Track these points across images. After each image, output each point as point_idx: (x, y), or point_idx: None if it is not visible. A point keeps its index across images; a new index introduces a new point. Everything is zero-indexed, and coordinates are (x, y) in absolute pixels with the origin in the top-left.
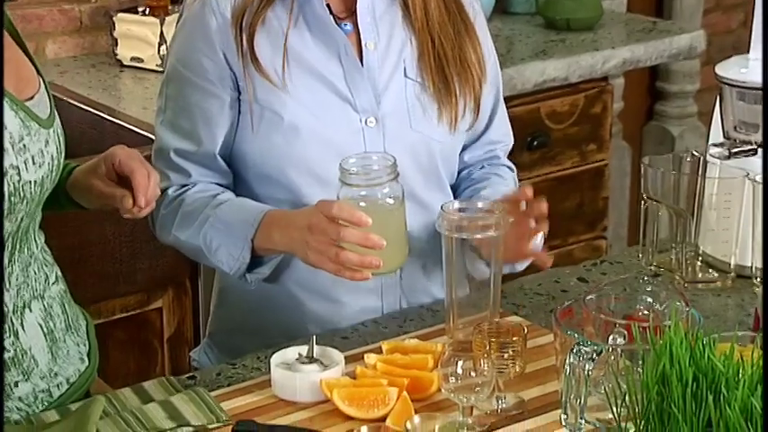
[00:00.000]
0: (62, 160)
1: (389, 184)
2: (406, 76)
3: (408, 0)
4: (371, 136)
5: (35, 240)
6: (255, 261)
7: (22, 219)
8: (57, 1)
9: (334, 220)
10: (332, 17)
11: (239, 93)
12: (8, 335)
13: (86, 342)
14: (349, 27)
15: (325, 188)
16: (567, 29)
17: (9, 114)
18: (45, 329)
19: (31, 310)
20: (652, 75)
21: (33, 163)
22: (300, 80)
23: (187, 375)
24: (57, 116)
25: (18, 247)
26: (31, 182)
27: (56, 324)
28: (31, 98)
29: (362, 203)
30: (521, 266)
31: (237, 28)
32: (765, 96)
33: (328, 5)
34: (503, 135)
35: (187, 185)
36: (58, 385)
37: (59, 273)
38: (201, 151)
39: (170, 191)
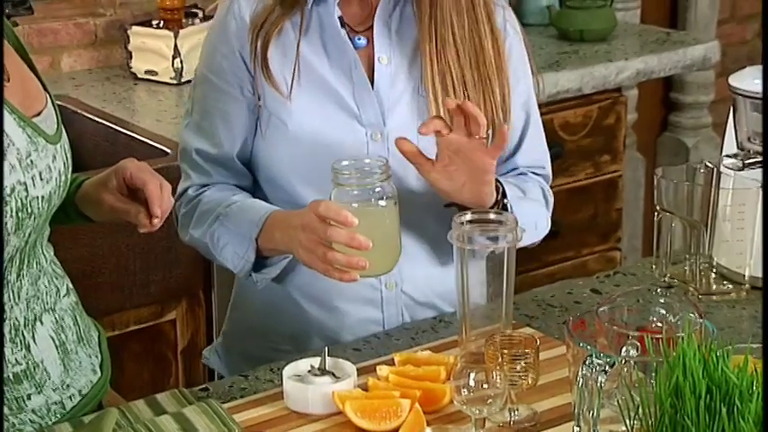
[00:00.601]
0: (69, 175)
1: (381, 185)
2: (419, 93)
3: (424, 21)
4: (375, 150)
5: (44, 254)
6: (264, 262)
7: (30, 234)
8: (72, 15)
9: (324, 219)
10: (346, 31)
11: (258, 98)
12: (19, 348)
13: (98, 353)
14: (364, 41)
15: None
16: (581, 40)
17: (17, 131)
18: (57, 342)
19: (42, 323)
20: (666, 86)
21: (41, 179)
22: (308, 91)
23: (200, 387)
24: (63, 132)
25: (27, 261)
26: (38, 197)
27: (67, 336)
28: (38, 114)
29: (354, 204)
30: (490, 187)
31: (254, 33)
32: (765, 106)
33: (341, 19)
34: (534, 161)
35: (207, 185)
36: (70, 397)
37: (70, 285)
38: (221, 153)
39: (190, 190)
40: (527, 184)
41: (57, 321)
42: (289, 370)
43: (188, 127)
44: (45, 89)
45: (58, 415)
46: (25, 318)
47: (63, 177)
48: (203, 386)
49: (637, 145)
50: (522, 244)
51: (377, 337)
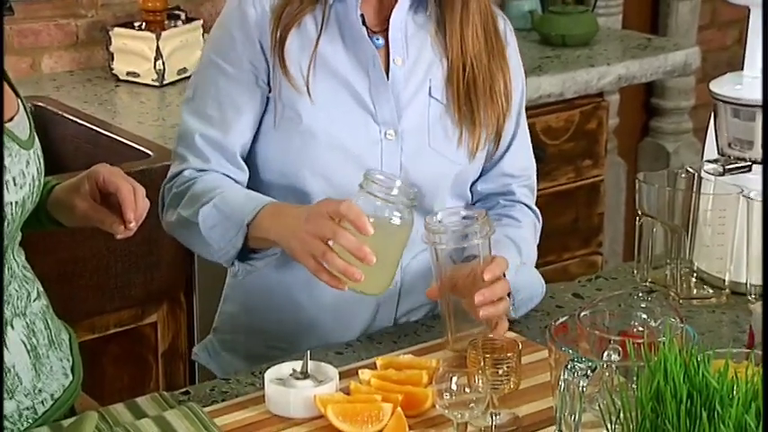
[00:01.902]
0: (42, 180)
1: (404, 209)
2: (430, 95)
3: (446, 26)
4: (389, 149)
5: (15, 259)
6: (249, 254)
7: (1, 239)
8: (53, 16)
9: (335, 217)
10: (365, 29)
11: (269, 89)
12: None
13: (69, 357)
14: (381, 42)
15: (339, 196)
16: (563, 45)
17: None
18: (28, 346)
19: (13, 328)
20: (647, 91)
21: (15, 184)
22: (325, 86)
23: (180, 391)
24: (36, 137)
25: None
26: (12, 203)
27: (39, 340)
28: (11, 119)
29: (371, 219)
30: None
31: (275, 23)
32: (765, 111)
33: (363, 17)
34: (520, 169)
35: (204, 170)
36: (42, 402)
37: (41, 288)
38: (226, 141)
39: (187, 172)
40: (521, 231)
41: (28, 326)
42: (270, 373)
43: (190, 112)
44: (16, 94)
45: (30, 420)
46: None
47: (36, 182)
48: (184, 390)
49: (618, 150)
50: (516, 315)
51: (358, 340)
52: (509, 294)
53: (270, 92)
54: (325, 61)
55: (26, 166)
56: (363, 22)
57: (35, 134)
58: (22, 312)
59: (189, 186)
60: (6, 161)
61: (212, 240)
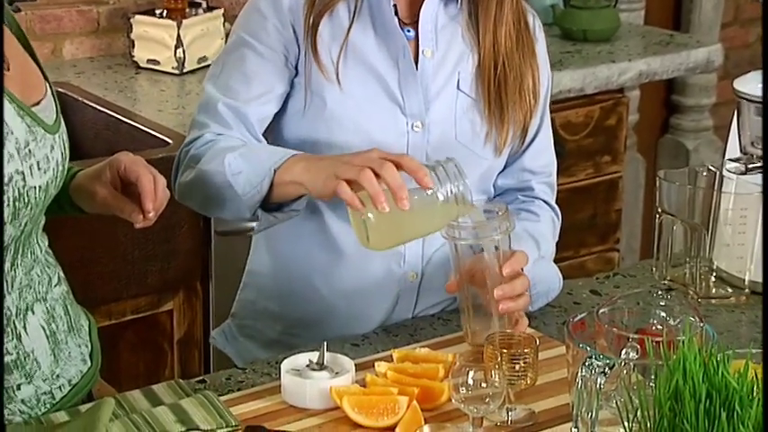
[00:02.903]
0: (66, 165)
1: (453, 198)
2: (458, 88)
3: (480, 23)
4: (416, 140)
5: (38, 244)
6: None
7: (26, 224)
8: (75, 2)
9: (387, 160)
10: (397, 20)
11: (296, 72)
12: (11, 338)
13: (88, 343)
14: (411, 33)
15: None
16: (584, 40)
17: (15, 120)
18: (48, 331)
19: (33, 313)
20: (668, 88)
21: (39, 168)
22: (355, 74)
23: (197, 379)
24: (62, 122)
25: (21, 251)
26: (35, 187)
27: (58, 326)
28: (38, 103)
29: (421, 197)
30: None
31: (309, 9)
32: (765, 112)
33: (395, 7)
34: (541, 166)
35: (224, 135)
36: (60, 387)
37: (62, 274)
38: (248, 111)
39: (207, 135)
40: (539, 225)
41: (48, 311)
42: (287, 364)
43: (214, 85)
44: (45, 78)
45: (48, 405)
46: (17, 307)
47: (60, 167)
48: (200, 378)
49: (637, 146)
50: (533, 308)
51: (375, 332)
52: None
53: (296, 76)
54: (356, 50)
55: (50, 151)
56: (395, 13)
57: (61, 119)
58: (43, 298)
59: (211, 145)
60: (31, 145)
61: (237, 186)
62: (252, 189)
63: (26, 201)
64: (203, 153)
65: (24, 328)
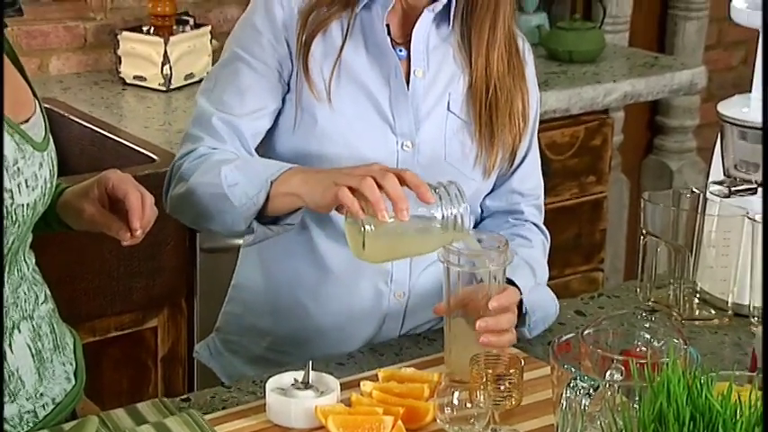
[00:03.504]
0: (54, 183)
1: (452, 223)
2: (449, 109)
3: (472, 47)
4: (405, 160)
5: (26, 261)
6: (267, 219)
7: (13, 242)
8: (62, 18)
9: (389, 172)
10: (389, 40)
11: (288, 88)
12: None
13: (73, 361)
14: (403, 53)
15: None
16: (570, 61)
17: (5, 138)
18: (33, 350)
19: (20, 331)
20: (652, 109)
21: (27, 186)
22: (346, 92)
23: (181, 398)
24: (50, 139)
25: (8, 268)
26: (23, 205)
27: (44, 344)
28: (26, 121)
29: (422, 209)
30: None
31: (302, 27)
32: (765, 135)
33: (388, 26)
34: (529, 188)
35: (218, 149)
36: (43, 406)
37: (48, 292)
38: (242, 125)
39: (201, 149)
40: (533, 251)
41: (34, 329)
42: (272, 383)
43: (208, 98)
44: (34, 95)
45: (31, 424)
46: (4, 326)
47: (48, 185)
48: (184, 396)
49: (622, 167)
50: (531, 335)
51: (361, 352)
52: (523, 320)
53: (288, 92)
54: (348, 68)
55: (39, 169)
56: (388, 33)
57: (50, 136)
58: (29, 315)
59: (206, 158)
60: (20, 163)
61: (233, 197)
62: (248, 200)
63: (14, 219)
64: (198, 166)
65: (10, 346)
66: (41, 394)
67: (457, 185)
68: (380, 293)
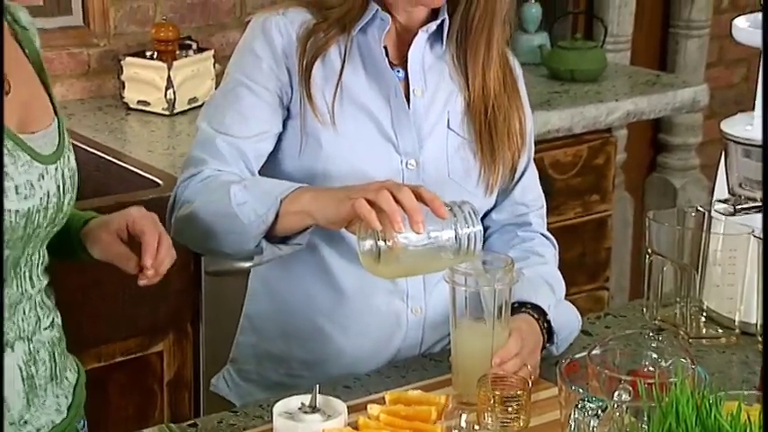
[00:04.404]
0: (67, 201)
1: (473, 237)
2: (449, 127)
3: (468, 67)
4: (410, 178)
5: (30, 279)
6: (276, 238)
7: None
8: (66, 44)
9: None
10: (387, 61)
11: (288, 115)
12: None
13: (70, 395)
14: (401, 74)
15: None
16: (572, 80)
17: None
18: (25, 373)
19: (12, 350)
20: (655, 127)
21: (17, 192)
22: (349, 114)
23: (188, 423)
24: (68, 158)
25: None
26: (11, 211)
27: (38, 371)
28: (35, 132)
29: (434, 232)
30: None
31: (302, 52)
32: (765, 153)
33: (385, 48)
34: (532, 199)
35: (224, 171)
36: None
37: (58, 320)
38: (246, 148)
39: (207, 171)
40: (549, 267)
41: (30, 353)
42: (279, 407)
43: (210, 123)
44: (56, 113)
45: None
46: None
47: (54, 200)
48: (191, 422)
49: (625, 185)
50: (558, 352)
51: (367, 375)
52: (549, 341)
53: (289, 118)
54: (349, 91)
55: (38, 180)
56: (385, 54)
57: (67, 154)
58: (27, 337)
59: (212, 180)
60: (10, 168)
61: (243, 216)
62: (257, 219)
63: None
64: (203, 187)
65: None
66: (26, 422)
67: (471, 206)
68: (398, 311)
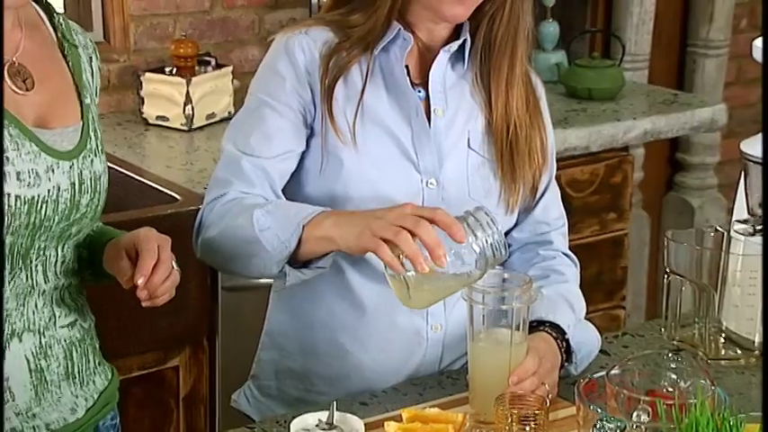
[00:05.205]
0: (86, 202)
1: (495, 243)
2: (469, 147)
3: (492, 87)
4: (431, 197)
5: (45, 274)
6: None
7: (6, 234)
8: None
9: (421, 217)
10: (408, 80)
11: (311, 133)
12: None
13: (93, 397)
14: (422, 94)
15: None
16: (589, 98)
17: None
18: (32, 365)
19: (20, 341)
20: (672, 145)
21: (18, 179)
22: (370, 134)
23: None
24: (91, 161)
25: (9, 268)
26: (10, 195)
27: (50, 365)
28: (52, 129)
29: (457, 254)
30: None
31: (324, 71)
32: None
33: (407, 67)
34: (553, 218)
35: (249, 194)
36: (34, 428)
37: (84, 323)
38: (271, 169)
39: (231, 194)
40: (569, 286)
41: (41, 346)
42: (296, 423)
43: (235, 144)
44: (83, 118)
45: None
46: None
47: (67, 195)
48: None
49: (642, 203)
50: (577, 371)
51: (384, 392)
52: (569, 357)
53: (311, 136)
54: (370, 110)
55: (47, 172)
56: (407, 74)
57: (90, 157)
58: (38, 330)
59: (237, 203)
60: (11, 154)
61: (265, 241)
62: (280, 244)
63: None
64: (228, 210)
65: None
66: (34, 415)
67: (485, 210)
68: (418, 328)
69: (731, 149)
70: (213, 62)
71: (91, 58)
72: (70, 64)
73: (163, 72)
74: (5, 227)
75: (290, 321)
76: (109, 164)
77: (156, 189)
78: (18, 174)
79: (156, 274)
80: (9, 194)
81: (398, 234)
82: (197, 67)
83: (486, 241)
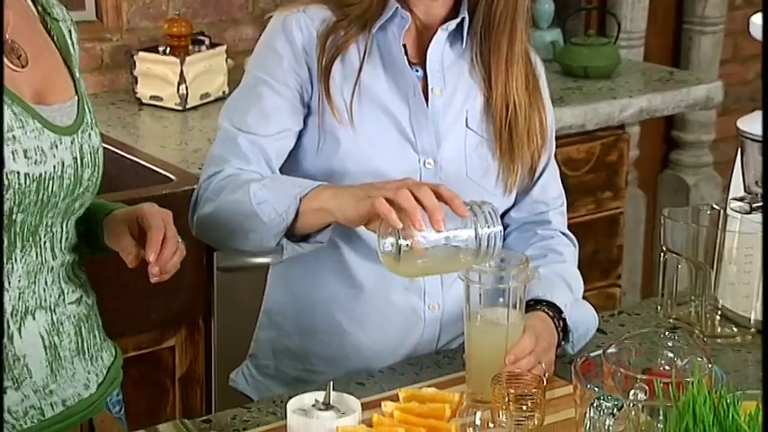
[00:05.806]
0: (87, 177)
1: (493, 237)
2: (467, 126)
3: (491, 66)
4: (428, 177)
5: (52, 251)
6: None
7: (15, 212)
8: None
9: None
10: (406, 59)
11: (309, 112)
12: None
13: (102, 374)
14: (420, 73)
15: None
16: (585, 76)
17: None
18: (47, 342)
19: (34, 318)
20: (668, 123)
21: (25, 156)
22: (367, 114)
23: (202, 419)
24: (89, 135)
25: (20, 246)
26: (19, 173)
27: (62, 342)
28: (51, 105)
29: (454, 231)
30: None
31: (321, 50)
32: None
33: (404, 46)
34: (552, 198)
35: (245, 170)
36: (51, 404)
37: (87, 299)
38: (268, 146)
39: (228, 170)
40: (567, 265)
41: (53, 323)
42: (293, 403)
43: (231, 121)
44: (77, 92)
45: (36, 421)
46: (14, 307)
47: (70, 170)
48: (205, 418)
49: (638, 182)
50: (574, 351)
51: (381, 371)
52: (566, 336)
53: (309, 115)
54: (367, 90)
55: (51, 148)
56: (405, 53)
57: (88, 131)
58: (49, 308)
59: (233, 178)
60: (16, 132)
61: (263, 214)
62: (277, 217)
63: (7, 183)
64: (225, 186)
65: (19, 330)
66: (51, 391)
67: (491, 206)
68: (415, 307)
69: (726, 127)
70: (207, 41)
71: (70, 30)
72: (55, 38)
73: (156, 51)
74: (16, 205)
75: (288, 301)
76: (103, 144)
77: (151, 169)
78: (25, 151)
79: (165, 248)
80: (18, 173)
81: (399, 191)
82: (191, 47)
83: (484, 231)
